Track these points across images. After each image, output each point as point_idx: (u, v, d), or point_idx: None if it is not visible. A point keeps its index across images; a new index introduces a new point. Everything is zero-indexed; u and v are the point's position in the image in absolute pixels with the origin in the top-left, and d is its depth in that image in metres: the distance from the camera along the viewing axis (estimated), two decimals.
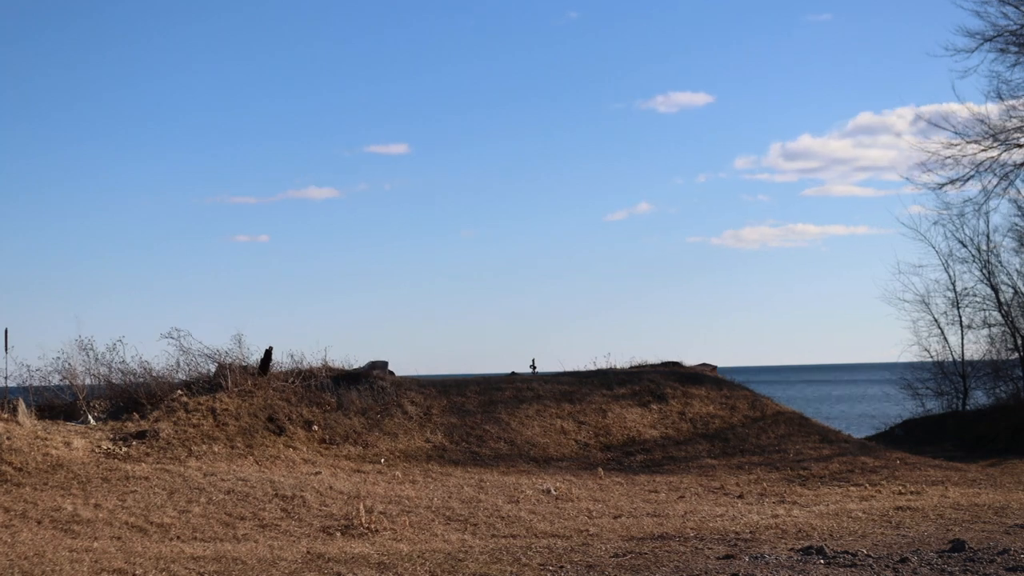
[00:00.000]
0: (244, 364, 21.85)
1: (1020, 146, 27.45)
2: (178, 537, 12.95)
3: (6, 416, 17.85)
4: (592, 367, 27.26)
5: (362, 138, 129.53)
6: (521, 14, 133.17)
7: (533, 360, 28.25)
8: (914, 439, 28.13)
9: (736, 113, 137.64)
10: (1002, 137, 27.35)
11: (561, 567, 11.38)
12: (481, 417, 22.50)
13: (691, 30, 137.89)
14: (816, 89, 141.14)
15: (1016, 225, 31.02)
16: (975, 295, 31.90)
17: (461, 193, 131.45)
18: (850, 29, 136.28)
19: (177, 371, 21.82)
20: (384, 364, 24.12)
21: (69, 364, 20.93)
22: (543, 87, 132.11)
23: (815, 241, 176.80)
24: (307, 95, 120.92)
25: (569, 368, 27.30)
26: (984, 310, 31.78)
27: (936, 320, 32.48)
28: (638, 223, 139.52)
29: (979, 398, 31.49)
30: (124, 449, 17.61)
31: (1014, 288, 31.30)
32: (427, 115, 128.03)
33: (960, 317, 32.14)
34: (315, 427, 20.30)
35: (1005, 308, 31.07)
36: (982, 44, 26.88)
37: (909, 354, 32.97)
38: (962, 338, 32.10)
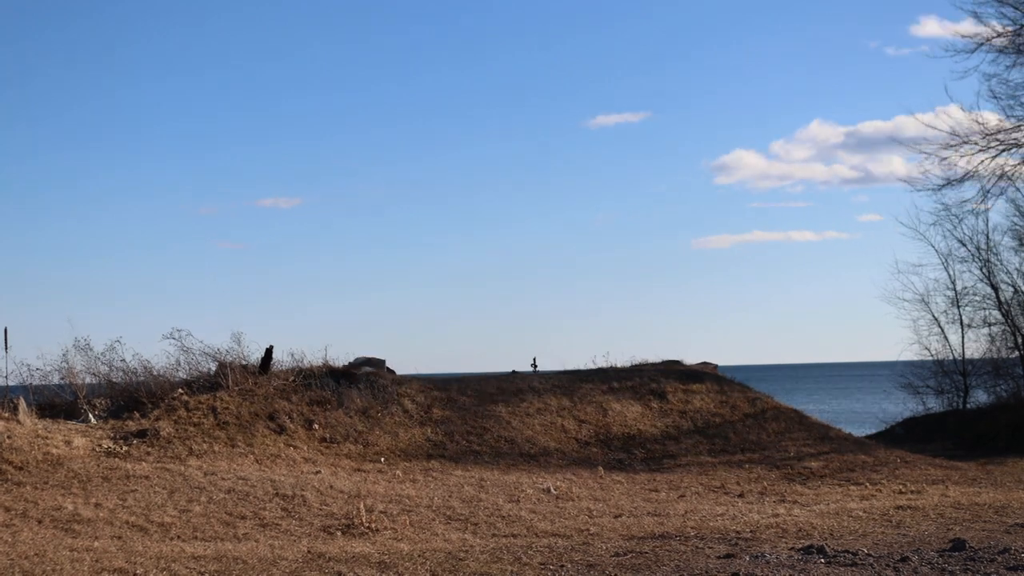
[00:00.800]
0: (244, 363, 21.84)
1: (1019, 146, 27.47)
2: (179, 536, 12.95)
3: (7, 415, 17.85)
4: (592, 366, 27.33)
5: (351, 144, 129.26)
6: (493, 27, 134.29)
7: (534, 359, 28.41)
8: (914, 437, 28.19)
9: (672, 129, 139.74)
10: (1001, 137, 27.38)
11: (562, 566, 11.37)
12: (481, 415, 22.49)
13: (626, 53, 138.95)
14: (763, 102, 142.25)
15: (1015, 224, 31.12)
16: (975, 294, 32.02)
17: (461, 194, 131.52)
18: (786, 45, 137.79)
19: (178, 370, 21.81)
20: (382, 362, 24.06)
21: (69, 363, 20.94)
22: (532, 94, 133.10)
23: (814, 243, 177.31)
24: (286, 102, 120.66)
25: (570, 367, 27.40)
26: (984, 309, 31.90)
27: (936, 319, 32.59)
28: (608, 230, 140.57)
29: (979, 397, 31.58)
30: (125, 448, 17.60)
31: (1014, 287, 31.39)
32: (425, 115, 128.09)
33: (960, 316, 32.24)
34: (316, 426, 20.30)
35: (1005, 307, 31.13)
36: (981, 45, 26.92)
37: (909, 353, 33.16)
38: (962, 337, 32.20)
